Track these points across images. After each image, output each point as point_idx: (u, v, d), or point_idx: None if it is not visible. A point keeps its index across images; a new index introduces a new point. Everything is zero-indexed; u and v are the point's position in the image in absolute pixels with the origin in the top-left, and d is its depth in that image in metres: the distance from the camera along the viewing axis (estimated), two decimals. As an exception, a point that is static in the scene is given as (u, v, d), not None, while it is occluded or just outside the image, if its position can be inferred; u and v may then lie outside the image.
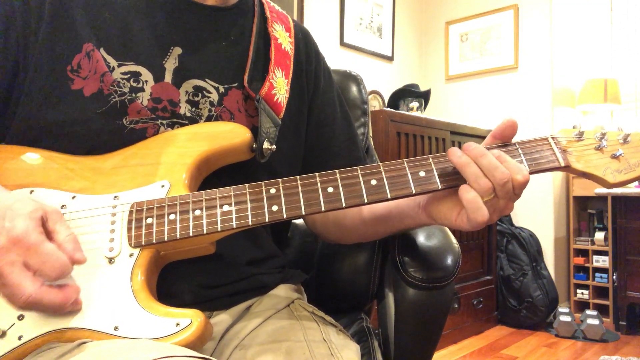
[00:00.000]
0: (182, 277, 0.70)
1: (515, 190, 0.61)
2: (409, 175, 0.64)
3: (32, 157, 0.67)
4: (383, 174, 0.64)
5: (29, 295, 0.51)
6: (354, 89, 1.14)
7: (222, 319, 0.73)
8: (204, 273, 0.72)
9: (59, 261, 0.53)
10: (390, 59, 3.54)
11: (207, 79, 0.75)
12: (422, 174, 0.64)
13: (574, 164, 0.65)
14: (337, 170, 0.65)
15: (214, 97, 0.75)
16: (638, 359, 2.43)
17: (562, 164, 0.65)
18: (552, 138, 0.66)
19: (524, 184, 0.61)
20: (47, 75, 0.67)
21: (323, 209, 0.62)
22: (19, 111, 0.67)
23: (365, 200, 0.63)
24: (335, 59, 3.11)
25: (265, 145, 0.73)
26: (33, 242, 0.52)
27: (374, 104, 3.24)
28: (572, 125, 0.67)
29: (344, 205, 0.63)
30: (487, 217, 0.61)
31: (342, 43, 3.16)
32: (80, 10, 0.70)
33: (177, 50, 0.73)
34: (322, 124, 0.88)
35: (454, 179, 0.64)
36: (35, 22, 0.68)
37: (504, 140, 0.66)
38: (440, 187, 0.64)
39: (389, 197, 0.63)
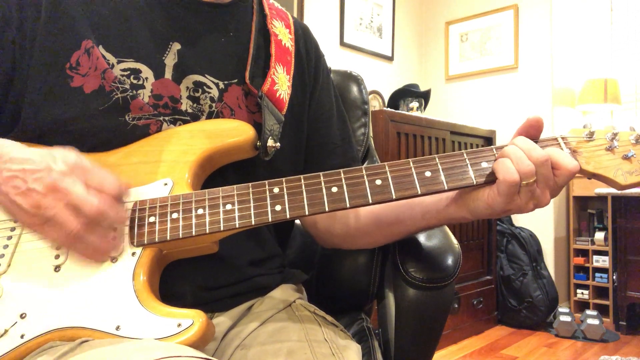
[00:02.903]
0: (184, 279, 0.70)
1: (557, 176, 0.61)
2: (415, 175, 0.63)
3: None
4: (388, 174, 0.63)
5: (96, 206, 0.55)
6: (354, 89, 1.14)
7: (223, 319, 0.73)
8: (206, 274, 0.72)
9: (115, 180, 0.59)
10: (390, 59, 3.54)
11: (206, 75, 0.74)
12: (427, 174, 0.63)
13: (584, 165, 0.63)
14: (341, 170, 0.64)
15: (214, 93, 0.75)
16: (638, 359, 2.44)
17: None
18: (562, 138, 0.65)
19: (567, 170, 0.60)
20: (46, 73, 0.67)
21: (327, 208, 0.62)
22: (22, 109, 0.67)
23: (370, 201, 0.62)
24: (335, 59, 3.11)
25: (270, 142, 0.73)
26: (87, 166, 0.57)
27: (374, 104, 3.24)
28: (583, 125, 0.66)
29: (348, 205, 0.62)
30: (517, 177, 0.59)
31: (342, 43, 3.16)
32: (78, 7, 0.70)
33: (176, 46, 0.73)
34: (319, 119, 0.88)
35: (460, 179, 0.63)
36: (31, 19, 0.67)
37: (529, 138, 0.64)
38: (446, 188, 0.63)
39: (394, 197, 0.62)
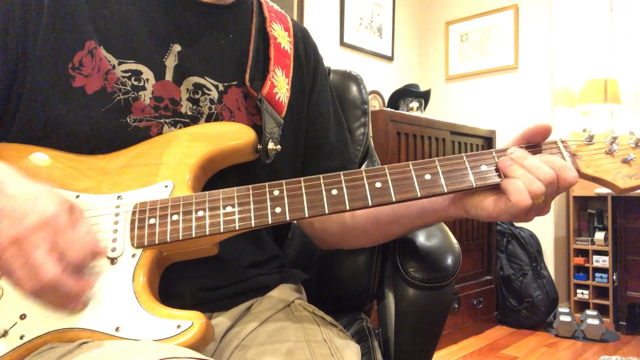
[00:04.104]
0: (183, 280, 0.70)
1: (560, 189, 0.61)
2: (414, 178, 0.63)
3: (36, 155, 0.67)
4: (388, 176, 0.63)
5: (51, 276, 0.51)
6: (354, 89, 1.14)
7: (222, 320, 0.73)
8: (205, 275, 0.72)
9: (84, 247, 0.55)
10: (390, 59, 3.54)
11: (206, 77, 0.75)
12: (427, 176, 0.63)
13: (583, 168, 0.64)
14: (341, 172, 0.64)
15: (214, 95, 0.75)
16: (638, 359, 2.44)
17: None
18: (562, 142, 0.65)
19: (567, 182, 0.61)
20: (48, 73, 0.67)
21: (327, 211, 0.62)
22: (22, 108, 0.67)
23: (370, 203, 0.62)
24: (335, 59, 3.11)
25: (270, 145, 0.73)
26: (62, 225, 0.54)
27: (374, 104, 3.24)
28: (583, 129, 0.66)
29: (347, 207, 0.62)
30: (529, 202, 0.59)
31: (342, 43, 3.16)
32: (81, 7, 0.70)
33: (177, 47, 0.73)
34: (316, 121, 0.88)
35: (460, 182, 0.63)
36: (34, 18, 0.67)
37: (532, 142, 0.65)
38: (446, 191, 0.63)
39: (394, 200, 0.62)
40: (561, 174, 0.60)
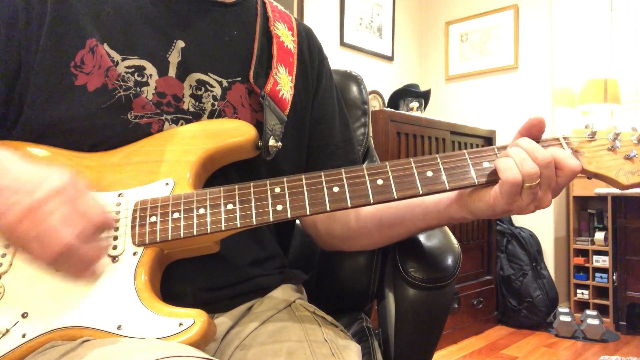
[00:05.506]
0: (184, 279, 0.70)
1: (559, 177, 0.61)
2: (416, 175, 0.63)
3: (38, 153, 0.67)
4: (390, 173, 0.63)
5: (67, 241, 0.52)
6: (354, 89, 1.14)
7: (223, 320, 0.72)
8: (206, 275, 0.72)
9: (94, 216, 0.55)
10: (390, 59, 3.54)
11: (210, 73, 0.75)
12: (429, 173, 0.63)
13: (586, 165, 0.63)
14: (342, 169, 0.64)
15: (217, 91, 0.75)
16: (638, 359, 2.44)
17: None
18: (564, 138, 0.65)
19: (570, 170, 0.60)
20: (50, 72, 0.67)
21: (328, 208, 0.62)
22: (25, 109, 0.67)
23: (371, 200, 0.62)
24: (335, 59, 3.11)
25: (271, 142, 0.73)
26: (71, 195, 0.54)
27: (374, 104, 3.24)
28: (585, 125, 0.66)
29: (349, 205, 0.62)
30: (519, 177, 0.59)
31: (342, 43, 3.16)
32: (82, 6, 0.70)
33: (180, 44, 0.74)
34: (321, 121, 0.88)
35: (462, 179, 0.63)
36: (37, 19, 0.68)
37: (531, 138, 0.64)
38: (448, 188, 0.63)
39: (395, 197, 0.62)
40: (564, 162, 0.60)
